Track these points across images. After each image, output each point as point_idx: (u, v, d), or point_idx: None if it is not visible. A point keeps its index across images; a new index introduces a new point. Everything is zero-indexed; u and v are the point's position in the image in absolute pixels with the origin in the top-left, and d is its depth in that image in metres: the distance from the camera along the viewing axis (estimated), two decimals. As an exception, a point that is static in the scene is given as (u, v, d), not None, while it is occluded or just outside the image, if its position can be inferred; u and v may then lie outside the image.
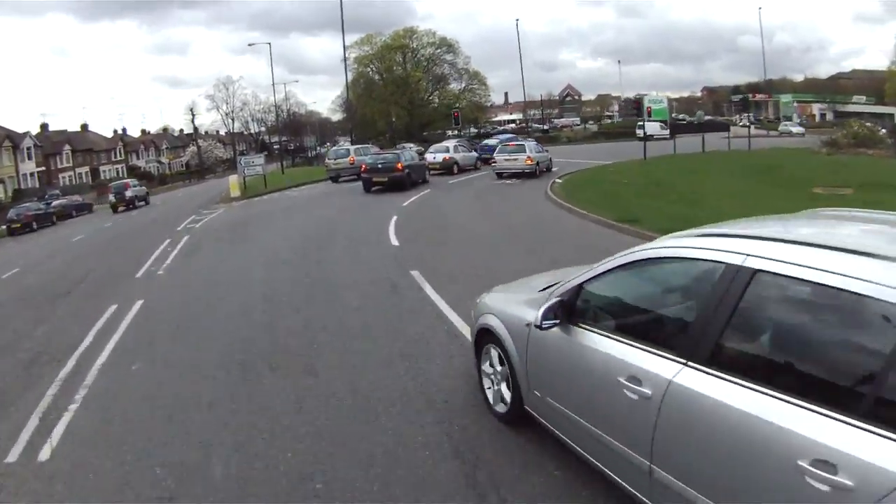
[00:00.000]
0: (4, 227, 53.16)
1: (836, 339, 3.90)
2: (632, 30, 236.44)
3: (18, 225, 52.00)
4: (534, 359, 6.21)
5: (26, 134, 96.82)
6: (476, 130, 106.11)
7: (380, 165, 36.91)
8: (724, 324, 4.23)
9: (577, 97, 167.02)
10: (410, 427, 7.08)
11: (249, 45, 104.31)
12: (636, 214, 19.84)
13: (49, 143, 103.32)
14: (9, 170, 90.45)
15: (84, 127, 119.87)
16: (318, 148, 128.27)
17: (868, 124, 52.36)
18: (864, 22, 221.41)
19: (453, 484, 5.94)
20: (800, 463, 3.40)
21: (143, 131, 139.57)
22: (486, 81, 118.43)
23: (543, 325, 5.55)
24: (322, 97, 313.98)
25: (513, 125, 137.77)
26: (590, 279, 5.65)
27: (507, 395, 6.87)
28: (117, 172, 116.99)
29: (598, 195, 26.38)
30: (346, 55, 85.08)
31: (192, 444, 7.20)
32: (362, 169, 38.33)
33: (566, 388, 5.72)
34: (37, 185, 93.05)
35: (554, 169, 42.14)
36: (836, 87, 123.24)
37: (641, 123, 56.52)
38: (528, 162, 38.45)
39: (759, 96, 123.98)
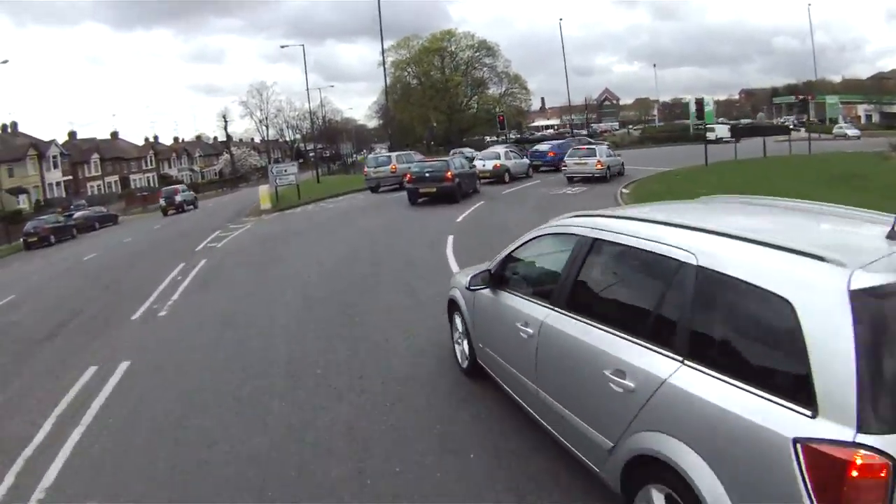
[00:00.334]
0: (22, 240, 49.84)
1: (633, 286, 5.68)
2: (667, 33, 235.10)
3: (35, 239, 48.72)
4: (476, 317, 8.30)
5: (52, 142, 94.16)
6: (517, 136, 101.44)
7: (427, 174, 32.79)
8: (575, 279, 6.12)
9: (615, 101, 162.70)
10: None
11: (282, 46, 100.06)
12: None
13: (77, 152, 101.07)
14: (34, 179, 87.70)
15: (114, 135, 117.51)
16: (355, 155, 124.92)
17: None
18: None
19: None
20: (605, 372, 5.15)
21: (176, 139, 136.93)
22: (527, 85, 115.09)
23: (470, 288, 7.85)
24: (358, 104, 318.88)
25: (551, 130, 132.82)
26: (509, 253, 7.69)
27: (467, 351, 8.87)
28: (148, 181, 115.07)
29: None
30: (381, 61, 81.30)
31: None
32: (407, 179, 34.31)
33: (493, 336, 7.77)
34: (63, 195, 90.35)
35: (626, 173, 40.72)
36: (881, 88, 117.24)
37: (706, 126, 53.59)
38: (599, 166, 37.42)
39: (801, 97, 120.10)
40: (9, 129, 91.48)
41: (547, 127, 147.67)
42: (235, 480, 6.70)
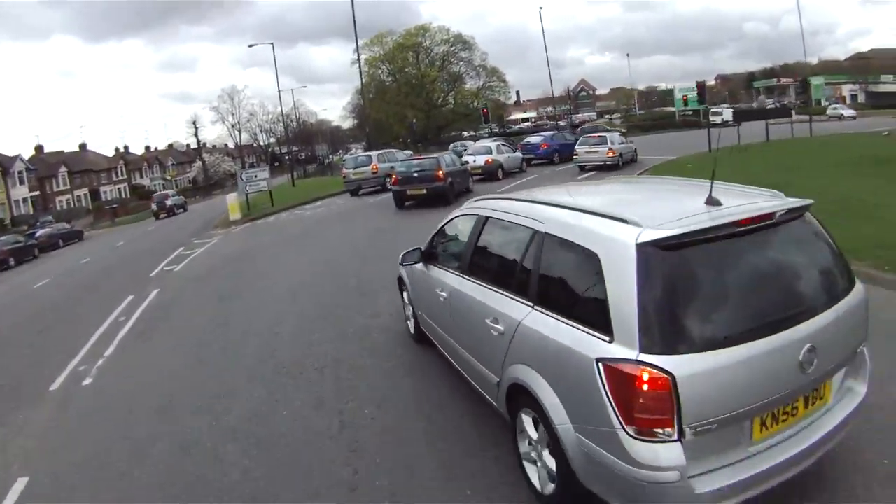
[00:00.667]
0: (-21, 264, 45.08)
1: (506, 251, 6.67)
2: (639, 23, 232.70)
3: (-8, 262, 43.75)
4: (415, 290, 9.67)
5: (17, 157, 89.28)
6: (499, 129, 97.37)
7: (415, 174, 28.67)
8: (472, 249, 7.36)
9: (591, 92, 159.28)
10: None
11: (250, 46, 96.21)
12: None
13: (44, 166, 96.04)
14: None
15: (83, 146, 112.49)
16: (331, 156, 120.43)
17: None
18: (871, 3, 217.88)
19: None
20: (486, 320, 6.43)
21: (147, 148, 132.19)
22: (505, 78, 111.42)
23: (402, 264, 9.42)
24: (332, 105, 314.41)
25: (528, 123, 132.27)
26: (435, 233, 8.96)
27: (412, 320, 10.24)
28: (119, 192, 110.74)
29: None
30: (356, 58, 77.23)
31: None
32: (392, 180, 30.25)
33: (426, 304, 9.07)
34: (31, 212, 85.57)
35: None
36: (865, 68, 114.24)
37: (713, 110, 51.98)
38: (611, 154, 36.69)
39: (784, 80, 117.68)
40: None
41: (524, 120, 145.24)
42: None
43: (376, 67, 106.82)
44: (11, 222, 77.48)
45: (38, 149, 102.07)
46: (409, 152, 52.69)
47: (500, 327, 6.11)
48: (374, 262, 17.07)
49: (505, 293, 6.24)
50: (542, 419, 5.44)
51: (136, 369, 11.63)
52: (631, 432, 4.54)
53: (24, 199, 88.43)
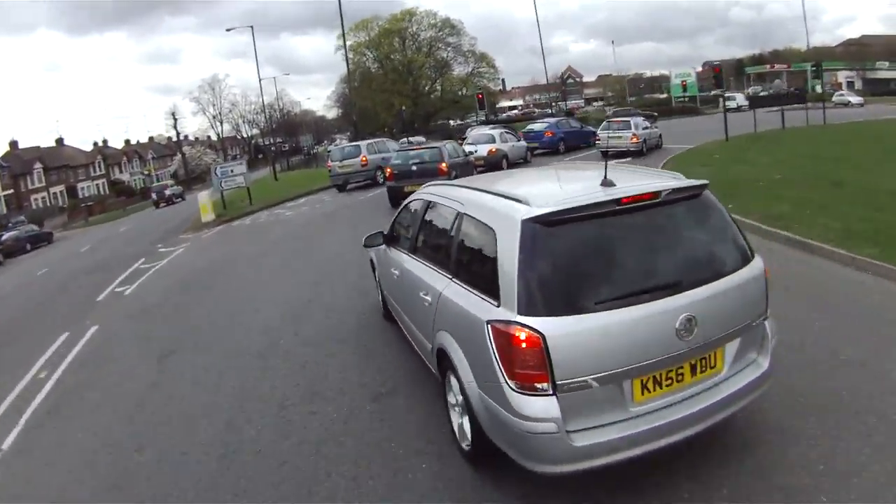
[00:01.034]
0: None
1: (438, 231, 7.28)
2: (624, 9, 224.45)
3: (-52, 273, 38.83)
4: (380, 270, 10.25)
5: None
6: (493, 116, 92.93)
7: (414, 168, 24.16)
8: (417, 231, 7.97)
9: (578, 79, 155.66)
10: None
11: (227, 30, 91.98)
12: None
13: (18, 163, 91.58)
14: (-29, 198, 77.71)
15: (59, 141, 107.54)
16: (315, 147, 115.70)
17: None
18: None
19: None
20: (420, 293, 7.07)
21: (127, 142, 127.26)
22: (495, 64, 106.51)
23: (365, 245, 9.77)
24: (316, 95, 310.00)
25: (516, 111, 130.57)
26: (394, 217, 9.46)
27: (381, 299, 10.81)
28: (97, 189, 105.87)
29: (770, 201, 16.98)
30: (341, 45, 72.81)
31: None
32: (388, 175, 25.75)
33: (387, 282, 9.67)
34: (3, 211, 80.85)
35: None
36: (858, 55, 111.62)
37: (727, 95, 47.91)
38: (634, 140, 35.07)
39: (777, 66, 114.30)
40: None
41: (511, 108, 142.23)
42: None
43: (361, 54, 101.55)
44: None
45: (13, 144, 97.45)
46: (419, 139, 48.00)
47: (429, 298, 6.79)
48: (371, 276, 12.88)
49: (435, 268, 6.93)
50: (456, 379, 5.96)
51: (26, 482, 7.55)
52: (514, 386, 5.02)
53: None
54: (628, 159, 32.52)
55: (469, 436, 5.96)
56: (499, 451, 5.44)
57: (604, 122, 40.72)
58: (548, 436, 4.87)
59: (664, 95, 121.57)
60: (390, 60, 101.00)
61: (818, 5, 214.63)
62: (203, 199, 33.72)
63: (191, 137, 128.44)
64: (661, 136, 39.32)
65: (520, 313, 4.97)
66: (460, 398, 6.03)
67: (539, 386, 4.90)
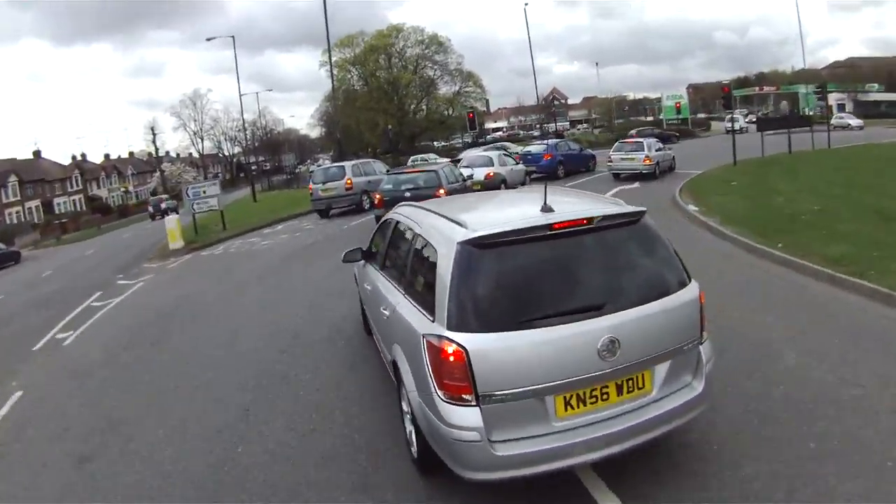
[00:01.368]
0: None
1: (400, 249, 7.56)
2: (607, 31, 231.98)
3: None
4: (360, 285, 10.25)
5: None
6: (480, 138, 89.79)
7: (408, 194, 20.68)
8: (386, 248, 8.28)
9: (563, 101, 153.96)
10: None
11: (208, 39, 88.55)
12: None
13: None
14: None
15: (36, 154, 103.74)
16: (298, 166, 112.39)
17: None
18: (840, 11, 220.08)
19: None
20: (381, 308, 7.50)
21: (107, 156, 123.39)
22: (482, 83, 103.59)
23: (344, 260, 9.90)
24: (299, 113, 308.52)
25: (500, 133, 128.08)
26: (372, 236, 9.73)
27: (361, 313, 10.93)
28: (74, 205, 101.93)
29: (825, 239, 14.70)
30: (325, 61, 69.96)
31: None
32: (377, 201, 22.72)
33: (363, 295, 9.91)
34: (-24, 227, 77.27)
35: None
36: (845, 77, 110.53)
37: (731, 116, 47.93)
38: (647, 162, 33.52)
39: (766, 89, 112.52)
40: None
41: (495, 129, 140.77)
42: None
43: (346, 71, 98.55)
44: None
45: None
46: (433, 156, 44.35)
47: (387, 312, 7.17)
48: (369, 358, 10.00)
49: (394, 284, 7.28)
50: (405, 389, 6.22)
51: None
52: (443, 397, 5.28)
53: (-32, 214, 79.55)
54: (636, 185, 30.75)
55: (415, 443, 6.25)
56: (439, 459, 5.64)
57: (616, 143, 38.42)
58: (472, 444, 5.13)
59: (650, 118, 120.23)
60: (375, 78, 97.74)
61: (802, 28, 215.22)
62: (171, 224, 29.84)
63: (172, 154, 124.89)
64: (674, 158, 37.99)
65: (449, 328, 5.24)
66: (406, 406, 6.36)
67: (465, 397, 5.16)
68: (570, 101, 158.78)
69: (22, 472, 7.93)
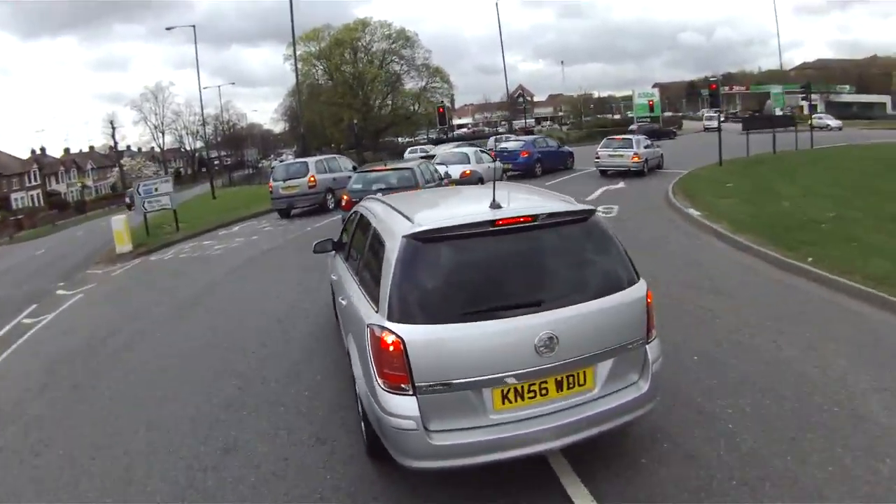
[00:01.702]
0: None
1: (359, 240, 7.69)
2: (573, 30, 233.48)
3: None
4: (329, 274, 10.21)
5: None
6: (446, 135, 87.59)
7: (380, 196, 17.88)
8: (351, 238, 8.48)
9: (529, 98, 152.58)
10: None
11: (167, 28, 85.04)
12: None
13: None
14: None
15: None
16: (261, 161, 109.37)
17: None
18: (806, 14, 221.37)
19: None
20: (340, 298, 7.93)
21: (67, 150, 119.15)
22: (449, 79, 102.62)
23: (314, 251, 10.14)
24: (263, 108, 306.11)
25: (465, 130, 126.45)
26: (342, 227, 10.10)
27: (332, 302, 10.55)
28: (32, 200, 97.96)
29: (857, 252, 13.04)
30: (290, 54, 67.88)
31: None
32: (344, 203, 20.23)
33: (334, 284, 9.36)
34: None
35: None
36: (817, 78, 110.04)
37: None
38: (635, 159, 32.73)
39: (736, 88, 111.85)
40: None
41: (460, 126, 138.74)
42: None
43: (311, 65, 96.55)
44: None
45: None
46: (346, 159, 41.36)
47: (344, 302, 7.44)
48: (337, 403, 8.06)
49: (352, 274, 7.39)
50: (354, 377, 6.42)
51: None
52: (383, 385, 5.32)
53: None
54: (621, 184, 29.15)
55: (364, 429, 6.37)
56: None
57: (604, 140, 37.19)
58: (409, 432, 5.16)
59: (617, 116, 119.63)
60: (341, 72, 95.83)
61: (767, 30, 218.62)
62: (118, 225, 26.58)
63: (133, 148, 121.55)
64: (662, 156, 36.92)
65: (389, 319, 5.29)
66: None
67: (402, 386, 5.19)
68: (535, 99, 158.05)
69: None
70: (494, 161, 31.23)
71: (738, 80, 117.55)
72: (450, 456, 5.17)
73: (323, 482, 6.36)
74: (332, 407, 7.97)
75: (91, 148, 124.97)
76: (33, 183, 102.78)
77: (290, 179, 30.21)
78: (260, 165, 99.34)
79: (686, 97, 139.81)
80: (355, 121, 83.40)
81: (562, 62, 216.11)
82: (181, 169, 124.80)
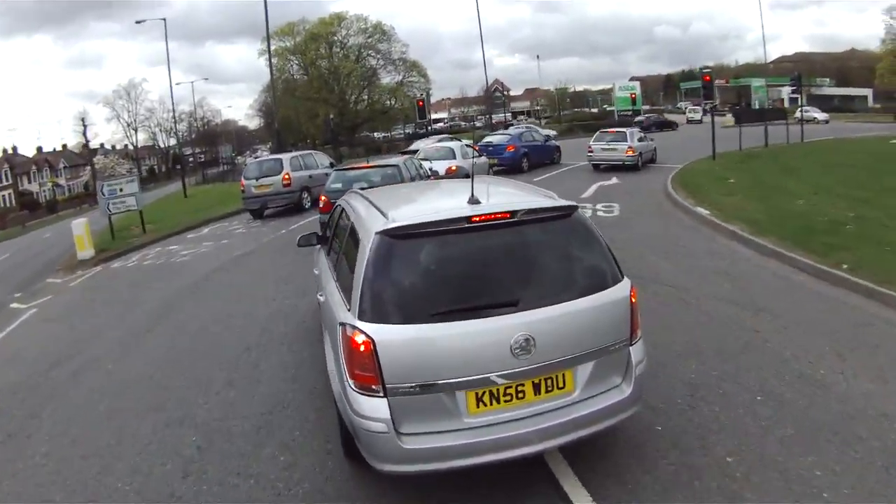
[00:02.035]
0: None
1: (340, 235, 7.44)
2: (549, 25, 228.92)
3: None
4: (314, 269, 9.77)
5: None
6: (426, 127, 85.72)
7: (361, 196, 16.61)
8: (333, 232, 8.14)
9: (506, 92, 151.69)
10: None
11: (137, 22, 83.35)
12: None
13: None
14: None
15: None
16: (236, 158, 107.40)
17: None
18: (782, 8, 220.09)
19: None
20: (318, 294, 7.83)
21: (39, 149, 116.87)
22: (426, 73, 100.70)
23: (298, 244, 9.71)
24: (239, 105, 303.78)
25: (441, 124, 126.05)
26: (326, 221, 9.79)
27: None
28: (3, 200, 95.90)
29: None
30: (264, 49, 66.47)
31: None
32: (322, 204, 18.55)
33: (316, 280, 9.03)
34: None
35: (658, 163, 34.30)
36: (796, 71, 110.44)
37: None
38: (630, 153, 31.63)
39: (718, 82, 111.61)
40: None
41: (436, 120, 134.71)
42: None
43: (286, 59, 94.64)
44: None
45: None
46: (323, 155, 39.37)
47: (322, 298, 7.31)
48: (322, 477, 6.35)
49: (331, 270, 7.20)
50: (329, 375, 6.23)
51: None
52: (354, 386, 5.09)
53: None
54: (614, 180, 27.81)
55: (339, 428, 6.11)
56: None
57: (596, 133, 36.05)
58: (379, 434, 4.94)
59: (595, 110, 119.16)
60: (316, 67, 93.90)
61: (743, 24, 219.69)
62: (79, 230, 24.29)
63: (107, 146, 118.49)
64: (655, 149, 35.87)
65: (360, 318, 5.07)
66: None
67: (373, 388, 4.97)
68: (512, 93, 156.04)
69: None
70: (476, 155, 29.33)
71: (718, 74, 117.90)
72: (422, 460, 5.00)
73: None
74: (316, 485, 6.21)
75: (64, 146, 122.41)
76: (5, 183, 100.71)
77: (263, 177, 28.34)
78: (235, 162, 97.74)
79: (664, 91, 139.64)
80: (331, 116, 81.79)
81: (538, 56, 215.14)
82: (155, 167, 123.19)
